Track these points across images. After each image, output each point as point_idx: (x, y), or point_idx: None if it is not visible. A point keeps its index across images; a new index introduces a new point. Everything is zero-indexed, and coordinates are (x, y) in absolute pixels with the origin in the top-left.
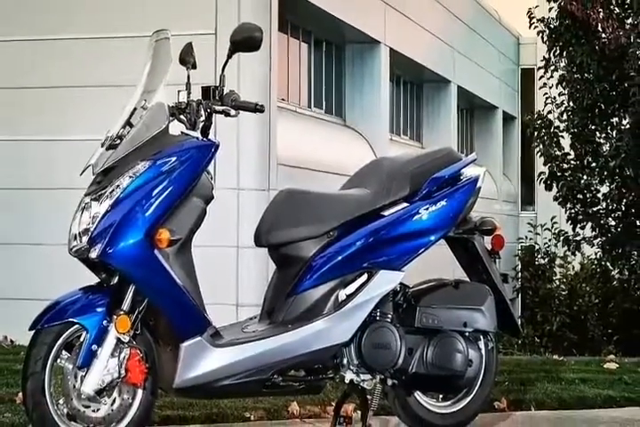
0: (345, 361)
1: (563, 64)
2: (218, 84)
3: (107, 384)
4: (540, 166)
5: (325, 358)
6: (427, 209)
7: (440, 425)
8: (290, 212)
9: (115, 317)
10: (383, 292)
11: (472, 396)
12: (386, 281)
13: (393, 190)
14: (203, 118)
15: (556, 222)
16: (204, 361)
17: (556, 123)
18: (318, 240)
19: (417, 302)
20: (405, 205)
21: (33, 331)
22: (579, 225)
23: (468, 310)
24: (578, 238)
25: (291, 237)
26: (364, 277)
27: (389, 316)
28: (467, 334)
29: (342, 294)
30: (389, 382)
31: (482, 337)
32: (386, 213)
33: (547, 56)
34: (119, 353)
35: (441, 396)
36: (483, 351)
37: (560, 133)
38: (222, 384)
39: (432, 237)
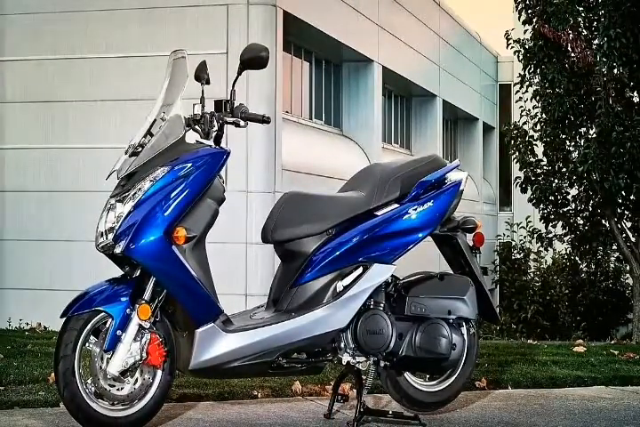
0: (342, 345)
1: (536, 80)
2: (229, 98)
3: (130, 366)
4: (516, 171)
5: (325, 342)
6: (415, 209)
7: (427, 402)
8: (293, 212)
9: (137, 305)
10: (376, 283)
11: (455, 376)
12: (378, 274)
13: (385, 193)
14: (215, 129)
15: (530, 221)
16: (216, 345)
17: (531, 133)
18: (318, 237)
19: (406, 293)
20: (396, 206)
21: (64, 318)
22: (551, 224)
23: (451, 299)
24: (550, 236)
25: (294, 234)
26: (360, 270)
27: (382, 305)
28: (451, 320)
29: (340, 285)
30: (382, 363)
31: (464, 324)
32: (379, 213)
33: (522, 73)
34: (141, 338)
35: (428, 376)
36: (465, 336)
37: (534, 142)
38: (233, 366)
39: (420, 235)
